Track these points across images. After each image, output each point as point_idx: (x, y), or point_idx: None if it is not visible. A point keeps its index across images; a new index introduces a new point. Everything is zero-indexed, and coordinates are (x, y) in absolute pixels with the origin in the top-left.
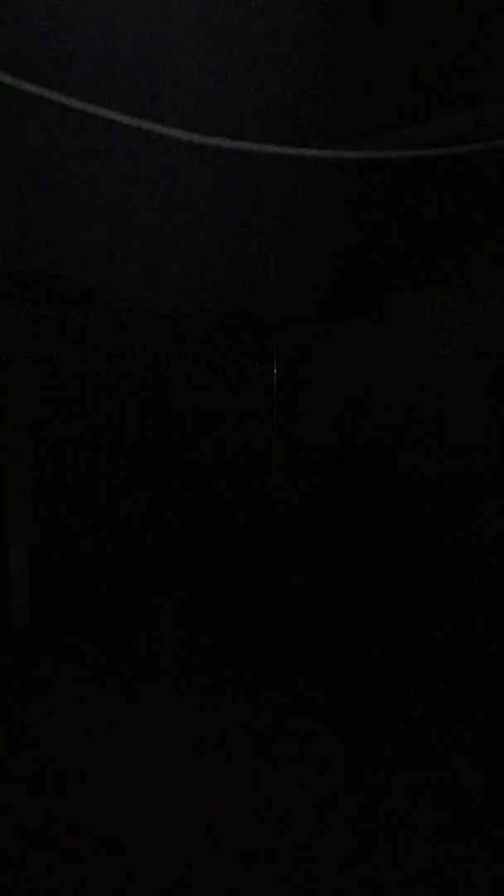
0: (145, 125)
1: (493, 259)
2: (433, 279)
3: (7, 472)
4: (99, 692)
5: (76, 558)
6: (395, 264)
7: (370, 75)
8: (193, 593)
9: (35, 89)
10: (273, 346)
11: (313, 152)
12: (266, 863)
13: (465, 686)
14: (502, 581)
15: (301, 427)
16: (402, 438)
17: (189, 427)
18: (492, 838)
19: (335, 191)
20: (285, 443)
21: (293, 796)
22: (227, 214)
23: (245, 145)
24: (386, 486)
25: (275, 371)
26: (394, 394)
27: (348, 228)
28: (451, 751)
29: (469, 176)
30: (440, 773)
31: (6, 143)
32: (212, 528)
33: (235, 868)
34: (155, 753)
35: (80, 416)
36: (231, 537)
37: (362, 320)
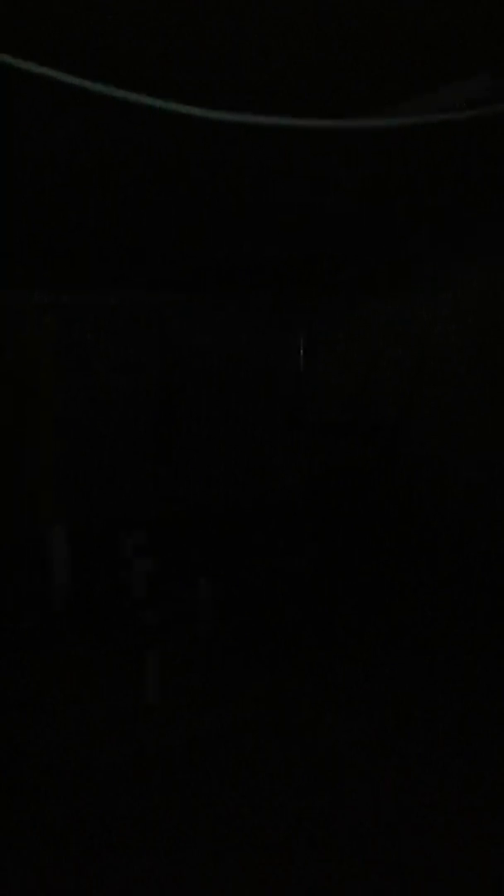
0: (146, 100)
1: None
2: (441, 253)
3: (36, 450)
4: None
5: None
6: (403, 238)
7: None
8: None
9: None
10: (274, 321)
11: (327, 123)
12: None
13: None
14: None
15: (308, 403)
16: (408, 414)
17: (197, 406)
18: None
19: (352, 162)
20: (292, 420)
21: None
22: None
23: (250, 119)
24: (393, 462)
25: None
26: (400, 368)
27: (362, 203)
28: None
29: (487, 143)
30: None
31: None
32: (218, 507)
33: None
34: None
35: (91, 395)
36: (238, 517)
37: (367, 294)
